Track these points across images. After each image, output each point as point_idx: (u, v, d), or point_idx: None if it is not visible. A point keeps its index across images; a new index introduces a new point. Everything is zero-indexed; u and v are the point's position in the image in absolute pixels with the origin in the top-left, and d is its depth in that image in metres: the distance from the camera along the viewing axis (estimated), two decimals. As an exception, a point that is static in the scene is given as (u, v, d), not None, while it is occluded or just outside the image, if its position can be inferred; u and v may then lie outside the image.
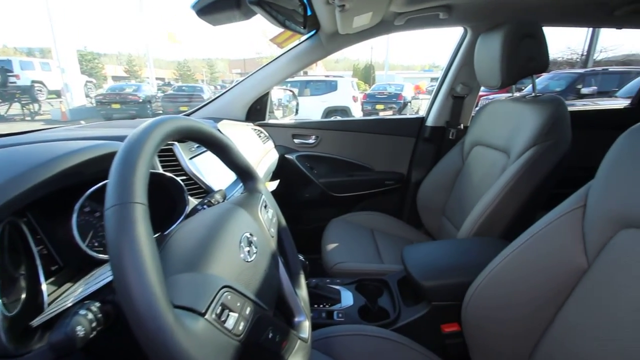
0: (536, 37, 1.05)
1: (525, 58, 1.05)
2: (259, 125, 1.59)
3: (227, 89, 1.58)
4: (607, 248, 0.50)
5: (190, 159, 0.86)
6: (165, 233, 0.44)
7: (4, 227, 0.41)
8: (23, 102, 10.69)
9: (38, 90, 11.83)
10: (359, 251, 1.25)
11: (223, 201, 0.61)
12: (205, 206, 0.57)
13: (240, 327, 0.36)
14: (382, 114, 9.21)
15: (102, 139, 0.61)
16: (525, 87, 6.03)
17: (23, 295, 0.42)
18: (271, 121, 1.67)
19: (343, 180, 1.70)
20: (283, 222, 0.64)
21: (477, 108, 1.57)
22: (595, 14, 1.34)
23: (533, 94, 1.14)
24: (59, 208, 0.50)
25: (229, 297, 0.36)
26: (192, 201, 0.71)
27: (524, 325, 0.60)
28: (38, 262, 0.45)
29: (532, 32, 1.05)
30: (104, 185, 0.38)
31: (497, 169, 1.09)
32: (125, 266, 0.28)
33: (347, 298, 0.98)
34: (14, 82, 10.95)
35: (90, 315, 0.31)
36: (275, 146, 1.63)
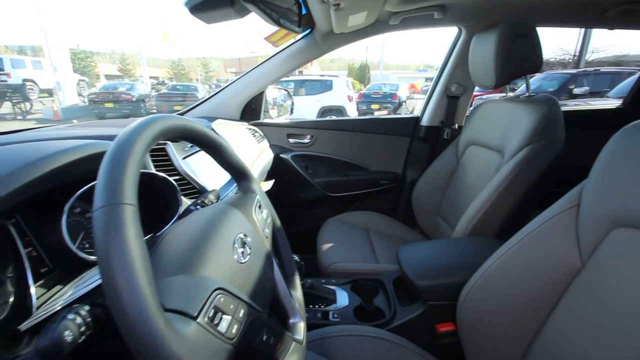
0: (530, 37, 1.06)
1: (519, 58, 1.06)
2: (254, 125, 1.58)
3: (221, 88, 1.56)
4: (600, 247, 0.50)
5: (184, 158, 0.85)
6: (158, 234, 0.43)
7: None
8: (14, 100, 10.54)
9: (29, 88, 11.67)
10: (354, 251, 1.25)
11: (217, 201, 0.60)
12: (198, 206, 0.56)
13: (234, 330, 0.35)
14: (377, 114, 9.23)
15: (93, 138, 0.60)
16: (519, 87, 6.08)
17: (11, 299, 0.41)
18: (266, 120, 1.66)
19: (338, 180, 1.69)
20: (277, 222, 0.64)
21: (471, 108, 1.58)
22: (588, 15, 1.35)
23: (527, 94, 1.15)
24: (49, 209, 0.48)
25: (222, 299, 0.36)
26: (186, 201, 0.71)
27: (518, 324, 0.60)
28: (26, 264, 0.44)
29: (525, 32, 1.05)
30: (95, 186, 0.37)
31: (492, 168, 1.10)
32: (114, 269, 0.27)
33: (343, 298, 0.97)
34: (5, 81, 10.80)
35: (78, 320, 0.30)
36: (270, 146, 1.62)
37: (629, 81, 4.77)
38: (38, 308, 0.43)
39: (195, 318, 0.32)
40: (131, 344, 0.27)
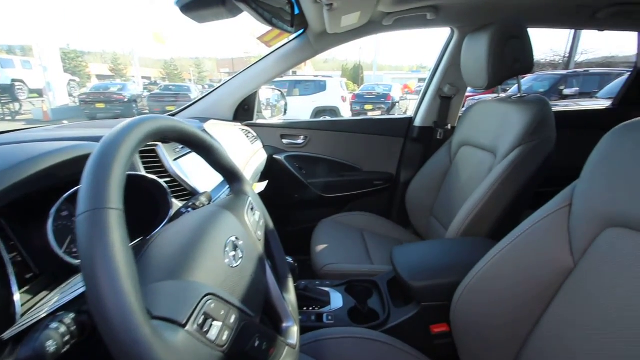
0: (521, 38, 1.06)
1: (511, 59, 1.07)
2: (247, 126, 1.57)
3: (214, 89, 1.55)
4: (592, 247, 0.50)
5: (175, 160, 0.83)
6: (147, 238, 0.42)
7: None
8: (3, 101, 10.38)
9: (19, 89, 11.50)
10: (348, 252, 1.25)
11: (209, 204, 0.59)
12: (189, 209, 0.55)
13: (224, 337, 0.34)
14: (371, 114, 9.26)
15: (81, 139, 0.59)
16: (510, 88, 6.15)
17: None
18: (259, 121, 1.65)
19: (332, 180, 1.69)
20: (270, 224, 0.63)
21: (463, 109, 1.59)
22: (578, 16, 1.37)
23: (518, 95, 1.15)
24: (35, 213, 0.47)
25: (212, 305, 0.35)
26: (177, 204, 0.69)
27: (512, 324, 0.60)
28: (10, 270, 0.42)
29: (517, 33, 1.06)
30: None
31: (484, 168, 1.10)
32: (98, 276, 0.26)
33: (337, 300, 0.97)
34: (-7, 81, 10.62)
35: (62, 329, 0.29)
36: (264, 146, 1.61)
37: (618, 82, 4.86)
38: (22, 315, 0.41)
39: (183, 325, 0.31)
40: (116, 353, 0.26)
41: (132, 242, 0.51)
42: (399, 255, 0.92)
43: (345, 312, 0.92)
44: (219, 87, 1.54)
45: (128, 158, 0.32)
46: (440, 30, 1.54)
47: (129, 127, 0.35)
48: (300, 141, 1.68)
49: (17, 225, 0.46)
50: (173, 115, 1.50)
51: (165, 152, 0.81)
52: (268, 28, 1.20)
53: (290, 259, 0.71)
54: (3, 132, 0.79)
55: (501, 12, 1.29)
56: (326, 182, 1.68)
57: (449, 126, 1.63)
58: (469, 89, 1.59)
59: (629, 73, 1.85)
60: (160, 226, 0.57)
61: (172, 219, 0.55)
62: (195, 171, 0.87)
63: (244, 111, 1.58)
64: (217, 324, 0.34)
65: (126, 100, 10.35)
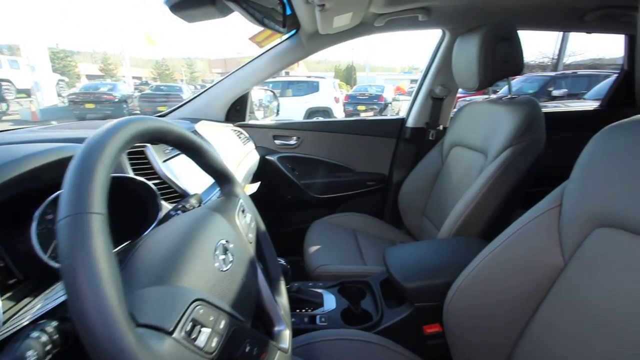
0: (512, 40, 1.07)
1: (501, 60, 1.08)
2: (239, 126, 1.56)
3: (205, 89, 1.54)
4: (582, 247, 0.51)
5: (165, 161, 0.82)
6: (135, 242, 0.41)
7: None
8: (-11, 101, 10.14)
9: (6, 89, 11.26)
10: (341, 253, 1.24)
11: (199, 206, 0.58)
12: (179, 212, 0.54)
13: (213, 344, 0.33)
14: (364, 115, 9.29)
15: (67, 141, 0.57)
16: (500, 89, 6.22)
17: None
18: (251, 122, 1.64)
19: (325, 181, 1.69)
20: (262, 226, 0.62)
21: (455, 110, 1.60)
22: (567, 19, 1.39)
23: (509, 96, 1.17)
24: (19, 216, 0.46)
25: (200, 311, 0.34)
26: (166, 206, 0.68)
27: (504, 324, 0.60)
28: None
29: (508, 35, 1.07)
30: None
31: (476, 169, 1.11)
32: (79, 284, 0.25)
33: (330, 301, 0.96)
34: (-22, 81, 10.38)
35: (44, 338, 0.28)
36: (256, 147, 1.60)
37: (605, 83, 4.95)
38: (5, 323, 0.40)
39: (170, 333, 0.30)
40: None
41: (119, 246, 0.50)
42: (392, 256, 0.92)
43: (338, 314, 0.92)
44: (211, 87, 1.52)
45: (112, 160, 0.31)
46: (432, 31, 1.55)
47: (114, 128, 0.34)
48: (293, 142, 1.67)
49: None
50: (164, 115, 1.48)
51: (154, 153, 0.79)
52: (260, 28, 1.19)
53: (282, 261, 0.70)
54: None
55: (492, 14, 1.30)
56: (319, 183, 1.68)
57: (441, 127, 1.64)
58: (460, 90, 1.60)
59: (616, 75, 1.88)
60: (149, 229, 0.56)
61: (161, 222, 0.54)
62: (185, 173, 0.86)
63: (236, 112, 1.57)
64: (205, 330, 0.33)
65: (116, 100, 10.20)
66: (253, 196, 0.65)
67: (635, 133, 0.47)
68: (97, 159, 0.30)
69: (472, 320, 0.66)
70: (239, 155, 1.32)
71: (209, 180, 0.96)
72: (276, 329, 0.52)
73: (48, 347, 0.28)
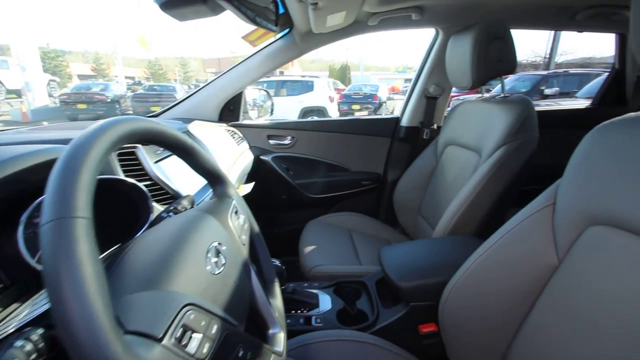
0: (505, 39, 1.08)
1: (494, 59, 1.08)
2: (233, 126, 1.55)
3: (198, 88, 1.52)
4: (576, 245, 0.51)
5: (156, 162, 0.81)
6: (124, 245, 0.41)
7: None
8: (-22, 102, 9.98)
9: (-5, 89, 11.08)
10: (337, 253, 1.24)
11: (191, 207, 0.57)
12: (171, 213, 0.53)
13: (205, 350, 0.33)
14: (358, 114, 9.30)
15: (56, 142, 0.56)
16: (494, 89, 6.27)
17: None
18: (245, 122, 1.63)
19: (320, 181, 1.68)
20: (256, 227, 0.61)
21: (449, 108, 1.60)
22: (559, 18, 1.40)
23: (502, 95, 1.17)
24: (6, 220, 0.44)
25: (191, 316, 0.33)
26: (158, 208, 0.67)
27: (499, 322, 0.60)
28: None
29: (500, 34, 1.07)
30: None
31: (470, 168, 1.11)
32: (63, 291, 0.24)
33: (325, 302, 0.96)
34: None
35: (28, 347, 0.27)
36: (250, 147, 1.59)
37: (596, 82, 5.01)
38: None
39: (159, 340, 0.29)
40: None
41: (109, 249, 0.49)
42: (387, 256, 0.92)
43: (334, 314, 0.91)
44: (204, 87, 1.51)
45: (98, 162, 0.30)
46: (425, 30, 1.55)
47: (101, 129, 0.33)
48: (287, 142, 1.66)
49: None
50: (156, 115, 1.47)
51: (145, 154, 0.78)
52: (253, 27, 1.18)
53: (277, 262, 0.69)
54: None
55: (485, 13, 1.31)
56: (314, 182, 1.67)
57: (435, 126, 1.64)
58: (453, 89, 1.61)
59: (607, 74, 1.90)
60: (140, 232, 0.55)
61: (152, 224, 0.53)
62: (177, 174, 0.84)
63: (229, 111, 1.56)
64: (197, 336, 0.32)
65: (109, 100, 10.08)
66: (247, 196, 0.64)
67: (631, 130, 0.47)
68: (82, 160, 0.29)
69: (467, 318, 0.66)
70: (232, 156, 1.31)
71: (201, 181, 0.94)
72: (270, 331, 0.52)
73: (33, 356, 0.27)
